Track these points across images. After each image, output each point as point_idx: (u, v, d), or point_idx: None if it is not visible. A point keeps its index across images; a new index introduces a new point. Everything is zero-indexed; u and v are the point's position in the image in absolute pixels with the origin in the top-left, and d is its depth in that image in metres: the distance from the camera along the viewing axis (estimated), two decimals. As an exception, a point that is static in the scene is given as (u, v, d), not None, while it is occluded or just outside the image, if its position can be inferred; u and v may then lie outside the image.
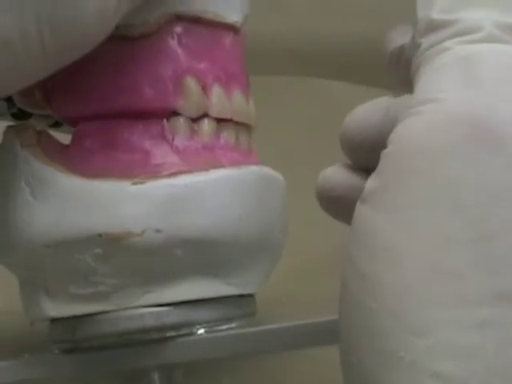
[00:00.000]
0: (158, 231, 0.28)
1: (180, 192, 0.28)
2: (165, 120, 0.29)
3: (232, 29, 0.31)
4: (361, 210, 0.23)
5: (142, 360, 0.30)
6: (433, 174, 0.21)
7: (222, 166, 0.29)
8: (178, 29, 0.30)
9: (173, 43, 0.30)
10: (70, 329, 0.30)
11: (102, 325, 0.29)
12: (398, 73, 0.27)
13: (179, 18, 0.30)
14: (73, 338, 0.30)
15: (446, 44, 0.24)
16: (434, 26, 0.24)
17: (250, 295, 0.31)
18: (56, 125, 0.35)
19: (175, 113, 0.29)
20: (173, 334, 0.29)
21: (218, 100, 0.30)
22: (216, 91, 0.30)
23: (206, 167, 0.29)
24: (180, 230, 0.28)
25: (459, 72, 0.23)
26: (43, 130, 0.30)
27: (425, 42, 0.24)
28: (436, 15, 0.24)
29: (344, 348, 0.22)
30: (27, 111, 0.33)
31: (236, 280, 0.30)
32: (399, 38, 0.27)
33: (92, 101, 0.29)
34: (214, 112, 0.30)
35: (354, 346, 0.21)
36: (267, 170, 0.31)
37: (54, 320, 0.30)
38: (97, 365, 0.30)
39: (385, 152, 0.23)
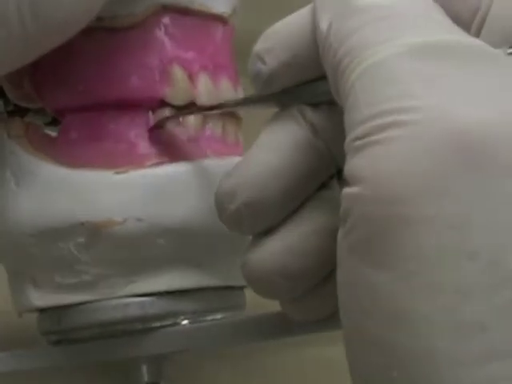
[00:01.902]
0: (139, 220, 0.28)
1: (162, 182, 0.28)
2: (150, 112, 0.29)
3: (220, 20, 0.31)
4: (351, 264, 0.20)
5: (127, 351, 0.30)
6: (432, 220, 0.18)
7: (206, 157, 0.29)
8: (165, 19, 0.30)
9: (159, 34, 0.30)
10: (56, 319, 0.30)
11: (87, 315, 0.29)
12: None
13: (166, 9, 0.30)
14: (59, 329, 0.30)
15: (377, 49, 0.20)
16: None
17: (240, 287, 0.31)
18: (52, 123, 0.35)
19: (162, 103, 0.29)
20: (157, 324, 0.29)
21: (205, 88, 0.30)
22: (203, 80, 0.30)
23: (190, 158, 0.29)
24: (162, 219, 0.28)
25: (413, 75, 0.20)
26: (31, 122, 0.30)
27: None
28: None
29: None
30: (23, 108, 0.34)
31: (221, 271, 0.30)
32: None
33: (79, 92, 0.29)
34: (201, 100, 0.30)
35: None
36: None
37: (41, 311, 0.30)
38: (83, 356, 0.30)
39: (351, 194, 0.20)
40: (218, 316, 0.30)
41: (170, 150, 0.29)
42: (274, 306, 0.30)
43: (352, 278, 0.20)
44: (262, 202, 0.24)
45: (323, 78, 0.23)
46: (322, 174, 0.25)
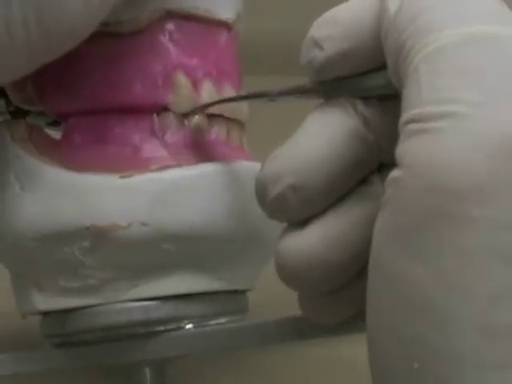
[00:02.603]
0: (144, 224, 0.28)
1: (167, 186, 0.28)
2: (155, 115, 0.29)
3: (225, 26, 0.31)
4: (388, 252, 0.20)
5: (130, 355, 0.30)
6: (476, 218, 0.18)
7: (211, 161, 0.29)
8: (169, 25, 0.30)
9: (164, 39, 0.30)
10: (60, 322, 0.30)
11: (90, 318, 0.29)
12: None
13: (170, 15, 0.30)
14: (62, 332, 0.30)
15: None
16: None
17: (243, 291, 0.31)
18: (54, 123, 0.35)
19: (166, 108, 0.29)
20: (161, 328, 0.29)
21: (209, 95, 0.30)
22: (206, 87, 0.30)
23: (195, 162, 0.29)
24: (166, 224, 0.28)
25: (478, 69, 0.19)
26: (35, 125, 0.30)
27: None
28: None
29: None
30: (24, 109, 0.34)
31: (226, 275, 0.30)
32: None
33: (83, 96, 0.29)
34: (205, 108, 0.30)
35: None
36: (258, 166, 0.30)
37: (45, 314, 0.30)
38: (85, 359, 0.30)
39: (398, 178, 0.19)
40: (222, 320, 0.30)
41: (175, 153, 0.29)
42: (275, 309, 0.30)
43: (385, 267, 0.20)
44: (308, 188, 0.24)
45: (376, 71, 0.23)
46: (368, 167, 0.24)
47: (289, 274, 0.25)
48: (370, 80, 0.24)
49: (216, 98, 0.30)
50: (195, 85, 0.30)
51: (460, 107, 0.19)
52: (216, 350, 0.30)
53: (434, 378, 0.18)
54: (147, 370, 0.32)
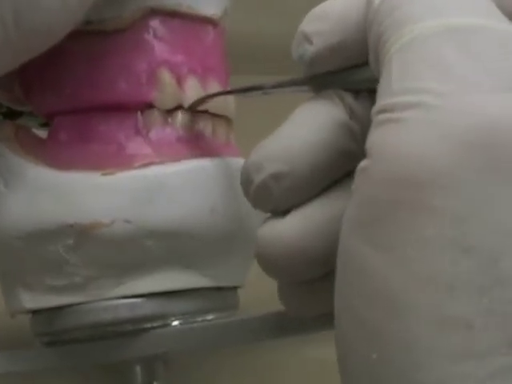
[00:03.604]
0: (127, 222, 0.28)
1: (150, 183, 0.28)
2: (139, 113, 0.29)
3: (210, 22, 0.31)
4: (352, 241, 0.20)
5: (119, 352, 0.30)
6: (434, 208, 0.18)
7: (195, 158, 0.29)
8: (153, 22, 0.30)
9: (148, 37, 0.30)
10: (48, 321, 0.30)
11: (77, 316, 0.29)
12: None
13: (154, 12, 0.30)
14: (51, 330, 0.30)
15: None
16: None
17: (231, 288, 0.31)
18: (47, 124, 0.35)
19: (150, 105, 0.30)
20: (148, 325, 0.29)
21: (193, 92, 0.30)
22: (191, 83, 0.30)
23: (179, 159, 0.29)
24: (149, 221, 0.28)
25: (447, 60, 0.19)
26: (21, 125, 0.31)
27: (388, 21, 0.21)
28: None
29: None
30: (17, 110, 0.34)
31: (212, 272, 0.30)
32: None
33: (67, 95, 0.29)
34: (188, 104, 0.30)
35: None
36: (243, 162, 0.30)
37: (34, 313, 0.31)
38: (76, 358, 0.30)
39: (365, 168, 0.20)
40: (210, 317, 0.30)
41: (158, 150, 0.29)
42: (266, 306, 0.30)
43: (349, 256, 0.20)
44: (291, 176, 0.24)
45: (365, 65, 0.23)
46: (353, 159, 0.24)
47: (267, 262, 0.24)
48: (359, 73, 0.24)
49: (201, 94, 0.30)
50: (180, 81, 0.30)
51: (426, 97, 0.19)
52: (203, 347, 0.30)
53: (392, 369, 0.18)
54: (138, 368, 0.32)
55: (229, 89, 0.31)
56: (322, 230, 0.24)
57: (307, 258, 0.24)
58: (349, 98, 0.24)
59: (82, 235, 0.28)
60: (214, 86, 0.31)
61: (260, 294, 0.35)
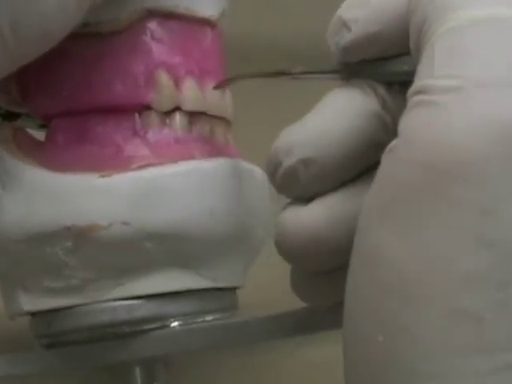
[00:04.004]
0: (125, 224, 0.28)
1: (148, 184, 0.28)
2: (137, 114, 0.29)
3: (207, 23, 0.31)
4: (369, 224, 0.19)
5: (117, 354, 0.30)
6: (460, 198, 0.18)
7: (193, 159, 0.29)
8: (150, 24, 0.30)
9: (145, 38, 0.30)
10: (47, 323, 0.30)
11: (76, 318, 0.29)
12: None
13: (151, 14, 0.30)
14: (50, 332, 0.30)
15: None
16: None
17: (231, 289, 0.31)
18: (46, 126, 0.35)
19: (147, 107, 0.29)
20: (146, 327, 0.29)
21: (191, 94, 0.30)
22: (188, 85, 0.30)
23: (177, 160, 0.29)
24: (147, 223, 0.28)
25: (495, 49, 0.19)
26: (19, 127, 0.31)
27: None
28: None
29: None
30: (15, 112, 0.34)
31: (210, 273, 0.30)
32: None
33: (64, 97, 0.29)
34: (186, 105, 0.30)
35: None
36: (242, 163, 0.30)
37: (33, 315, 0.31)
38: (74, 360, 0.30)
39: (393, 148, 0.19)
40: (209, 318, 0.30)
41: (156, 152, 0.29)
42: (264, 306, 0.30)
43: (366, 239, 0.19)
44: (320, 163, 0.23)
45: (401, 57, 0.23)
46: (382, 150, 0.23)
47: (288, 249, 0.24)
48: (394, 65, 0.24)
49: (199, 96, 0.30)
50: (177, 83, 0.30)
51: (466, 84, 0.19)
52: (202, 349, 0.30)
53: (397, 357, 0.18)
54: (137, 370, 0.32)
55: (228, 91, 0.32)
56: (346, 221, 0.23)
57: (329, 248, 0.24)
58: (381, 89, 0.24)
59: (79, 237, 0.28)
60: (211, 87, 0.31)
61: (264, 295, 0.35)
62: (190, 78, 0.30)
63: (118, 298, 0.29)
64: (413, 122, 0.19)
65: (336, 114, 0.24)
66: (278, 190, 0.25)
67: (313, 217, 0.24)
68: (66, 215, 0.28)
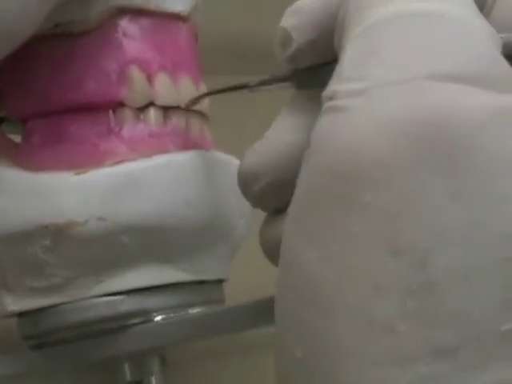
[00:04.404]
0: (101, 219, 0.28)
1: (122, 180, 0.28)
2: (111, 111, 0.30)
3: (179, 18, 0.31)
4: (288, 234, 0.19)
5: (103, 350, 0.30)
6: (367, 203, 0.17)
7: (168, 152, 0.29)
8: (122, 22, 0.30)
9: (116, 36, 0.30)
10: (33, 323, 0.30)
11: (60, 317, 0.29)
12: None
13: (121, 11, 0.30)
14: (36, 333, 0.30)
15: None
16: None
17: (216, 281, 0.31)
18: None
19: (121, 103, 0.30)
20: (131, 322, 0.29)
21: (163, 88, 0.30)
22: (161, 80, 0.30)
23: (151, 154, 0.29)
24: (123, 217, 0.28)
25: (394, 48, 0.18)
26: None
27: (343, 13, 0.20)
28: None
29: None
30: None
31: (191, 266, 0.30)
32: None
33: (38, 98, 0.30)
34: (159, 100, 0.30)
35: None
36: (218, 155, 0.31)
37: (20, 316, 0.31)
38: (61, 359, 0.31)
39: (305, 156, 0.19)
40: (194, 311, 0.30)
41: (131, 147, 0.29)
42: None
43: (286, 249, 0.19)
44: (286, 182, 0.23)
45: None
46: None
47: (269, 258, 0.25)
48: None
49: (172, 90, 0.30)
50: (150, 78, 0.30)
51: (369, 85, 0.18)
52: (186, 340, 0.30)
53: (315, 368, 0.18)
54: (126, 366, 0.32)
55: (204, 87, 0.32)
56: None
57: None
58: None
59: (57, 235, 0.28)
60: (186, 82, 0.31)
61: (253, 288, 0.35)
62: (163, 73, 0.30)
63: (101, 295, 0.29)
64: (320, 129, 0.19)
65: (291, 132, 0.24)
66: (253, 206, 0.25)
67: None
68: (43, 214, 0.28)
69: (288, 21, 0.24)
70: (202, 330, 0.29)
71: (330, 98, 0.19)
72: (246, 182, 0.24)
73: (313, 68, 0.24)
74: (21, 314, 0.30)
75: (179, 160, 0.29)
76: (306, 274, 0.18)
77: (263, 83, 0.27)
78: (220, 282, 0.32)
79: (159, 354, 0.34)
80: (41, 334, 0.30)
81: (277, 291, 0.19)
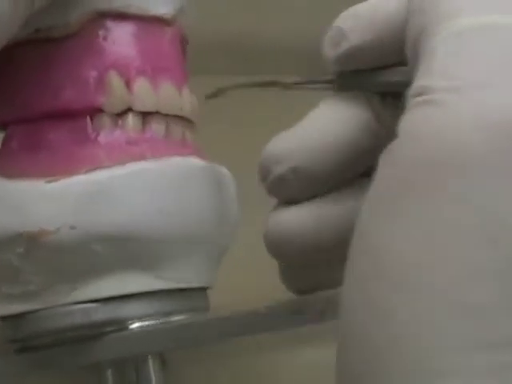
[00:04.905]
0: (72, 228, 0.28)
1: (95, 188, 0.28)
2: (88, 118, 0.29)
3: (162, 21, 0.31)
4: (369, 217, 0.19)
5: (79, 357, 0.30)
6: (465, 194, 0.18)
7: (145, 159, 0.29)
8: (102, 26, 0.30)
9: (96, 41, 0.30)
10: (13, 328, 0.30)
11: (37, 323, 0.29)
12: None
13: (102, 16, 0.30)
14: (16, 337, 0.30)
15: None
16: None
17: (198, 289, 0.31)
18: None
19: (99, 110, 0.29)
20: (106, 329, 0.29)
21: (142, 93, 0.30)
22: (140, 85, 0.30)
23: (127, 161, 0.29)
24: (95, 226, 0.28)
25: (495, 54, 0.19)
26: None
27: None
28: None
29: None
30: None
31: (169, 274, 0.30)
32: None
33: (18, 104, 0.30)
34: (138, 106, 0.30)
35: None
36: (197, 162, 0.30)
37: (2, 319, 0.31)
38: (38, 364, 0.31)
39: (392, 148, 0.19)
40: (176, 318, 0.30)
41: (107, 155, 0.29)
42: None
43: (365, 231, 0.19)
44: (309, 172, 0.24)
45: (395, 67, 0.24)
46: (373, 160, 0.24)
47: (272, 246, 0.26)
48: (387, 76, 0.24)
49: (151, 95, 0.30)
50: (128, 83, 0.30)
51: (465, 85, 0.19)
52: (163, 349, 0.30)
53: (399, 353, 0.18)
54: (109, 372, 0.32)
55: (188, 92, 0.31)
56: (331, 223, 0.24)
57: (314, 247, 0.25)
58: (376, 101, 0.24)
59: (31, 243, 0.28)
60: (166, 87, 0.30)
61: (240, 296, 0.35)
62: (142, 77, 0.30)
63: (76, 302, 0.29)
64: (414, 120, 0.19)
65: (327, 123, 0.24)
66: (268, 193, 0.26)
67: (300, 218, 0.25)
68: (18, 221, 0.28)
69: (345, 22, 0.25)
70: (179, 339, 0.29)
71: (421, 93, 0.19)
72: (268, 165, 0.25)
73: (358, 72, 0.25)
74: (3, 318, 0.31)
75: (153, 168, 0.29)
76: (396, 257, 0.18)
77: (303, 82, 0.26)
78: (203, 289, 0.32)
79: (158, 354, 0.34)
80: (22, 339, 0.30)
81: (350, 276, 0.19)
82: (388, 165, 0.19)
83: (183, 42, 0.33)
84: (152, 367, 0.33)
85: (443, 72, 0.19)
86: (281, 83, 0.27)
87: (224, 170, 0.32)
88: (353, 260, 0.19)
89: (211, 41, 0.41)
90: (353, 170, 0.25)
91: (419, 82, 0.20)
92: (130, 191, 0.28)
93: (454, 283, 0.17)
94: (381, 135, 0.24)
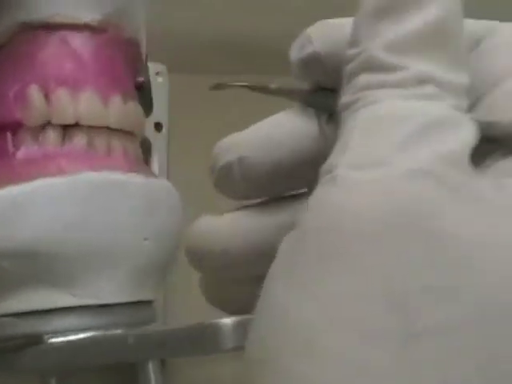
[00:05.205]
0: (-21, 245, 0.28)
1: (3, 204, 0.28)
2: (9, 133, 0.29)
3: (89, 28, 0.30)
4: (273, 287, 0.20)
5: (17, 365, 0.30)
6: (363, 264, 0.18)
7: (61, 174, 0.28)
8: (25, 38, 0.30)
9: (18, 54, 0.30)
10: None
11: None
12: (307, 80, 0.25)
13: (27, 27, 0.30)
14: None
15: (385, 93, 0.20)
16: (376, 66, 0.21)
17: (129, 304, 0.30)
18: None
19: (19, 124, 0.29)
20: (26, 343, 0.29)
21: (60, 106, 0.29)
22: (58, 97, 0.29)
23: (36, 177, 0.28)
24: (1, 242, 0.28)
25: (397, 135, 0.20)
26: None
27: (362, 79, 0.21)
28: (382, 54, 0.21)
29: None
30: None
31: (81, 290, 0.29)
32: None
33: None
34: (57, 119, 0.29)
35: None
36: (115, 176, 0.29)
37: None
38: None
39: (302, 215, 0.20)
40: (91, 333, 0.29)
41: (19, 171, 0.29)
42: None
43: (269, 293, 0.20)
44: (253, 163, 0.24)
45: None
46: (311, 173, 0.23)
47: (191, 255, 0.25)
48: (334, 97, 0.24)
49: (69, 107, 0.29)
50: (48, 96, 0.29)
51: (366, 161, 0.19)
52: (81, 364, 0.29)
53: None
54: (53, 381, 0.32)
55: (118, 100, 0.30)
56: (251, 236, 0.24)
57: (227, 260, 0.25)
58: (323, 118, 0.24)
59: None
60: (88, 97, 0.30)
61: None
62: (62, 89, 0.29)
63: (-3, 315, 0.29)
64: (317, 195, 0.20)
65: (278, 127, 0.25)
66: (215, 185, 0.26)
67: (221, 226, 0.25)
68: None
69: (313, 29, 0.24)
70: (96, 355, 0.29)
71: (328, 171, 0.20)
72: (218, 155, 0.25)
73: (318, 90, 0.25)
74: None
75: (60, 183, 0.28)
76: (289, 318, 0.18)
77: (283, 92, 0.26)
78: (148, 302, 0.31)
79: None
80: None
81: (253, 336, 0.20)
82: (296, 230, 0.20)
83: (128, 45, 0.31)
84: (151, 368, 0.33)
85: (344, 146, 0.20)
86: (267, 88, 0.27)
87: (163, 184, 0.30)
88: (258, 321, 0.20)
89: (211, 40, 0.40)
90: (291, 179, 0.24)
91: (328, 160, 0.20)
92: (35, 207, 0.28)
93: (357, 349, 0.17)
94: (322, 150, 0.23)
